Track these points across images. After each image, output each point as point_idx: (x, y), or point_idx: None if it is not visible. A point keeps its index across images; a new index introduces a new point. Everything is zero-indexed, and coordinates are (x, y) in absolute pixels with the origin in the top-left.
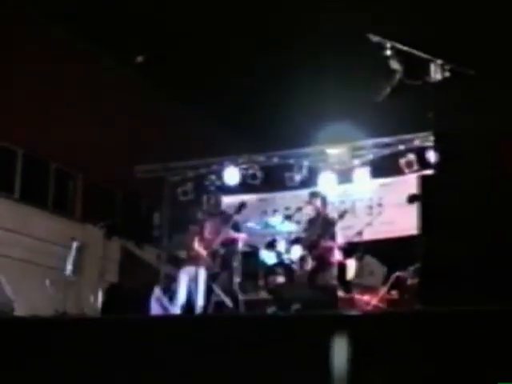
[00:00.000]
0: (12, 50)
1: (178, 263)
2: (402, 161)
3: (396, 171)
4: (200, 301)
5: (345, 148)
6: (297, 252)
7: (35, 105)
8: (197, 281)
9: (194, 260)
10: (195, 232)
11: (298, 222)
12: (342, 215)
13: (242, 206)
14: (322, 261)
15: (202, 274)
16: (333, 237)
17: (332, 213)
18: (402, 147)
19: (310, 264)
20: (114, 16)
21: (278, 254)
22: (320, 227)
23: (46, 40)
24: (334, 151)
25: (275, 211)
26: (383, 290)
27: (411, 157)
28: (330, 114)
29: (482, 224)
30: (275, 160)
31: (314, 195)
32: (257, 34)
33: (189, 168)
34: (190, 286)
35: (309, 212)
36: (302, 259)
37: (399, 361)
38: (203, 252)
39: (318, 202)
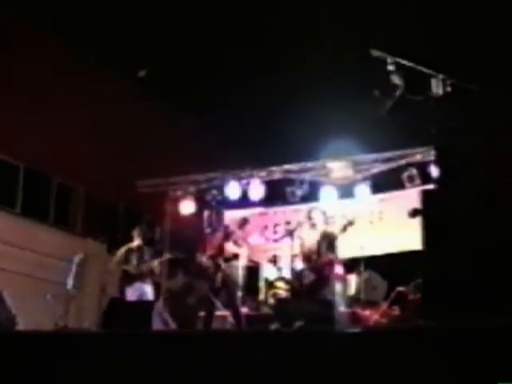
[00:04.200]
0: (13, 64)
1: (127, 279)
2: (404, 175)
3: (398, 186)
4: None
5: (346, 162)
6: (298, 267)
7: (37, 119)
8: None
9: (142, 276)
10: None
11: (299, 237)
12: (345, 228)
13: (244, 222)
14: (322, 275)
15: (149, 291)
16: (333, 251)
17: (333, 227)
18: (403, 162)
19: (309, 279)
20: (116, 29)
21: (280, 269)
22: (320, 242)
23: (48, 54)
24: (336, 166)
25: (276, 226)
26: (385, 305)
27: (413, 171)
28: (332, 128)
29: (483, 238)
30: (276, 174)
31: (313, 210)
32: (259, 49)
33: (190, 183)
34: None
35: (309, 227)
36: (302, 274)
37: (401, 375)
38: (207, 266)
39: (319, 217)
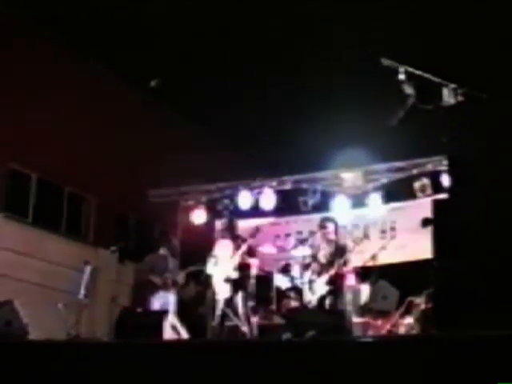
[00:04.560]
0: (26, 76)
1: (151, 288)
2: (416, 185)
3: (410, 195)
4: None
5: (358, 172)
6: (309, 277)
7: (49, 129)
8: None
9: (166, 286)
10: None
11: (311, 247)
12: (359, 242)
13: (256, 232)
14: (334, 286)
15: (173, 301)
16: (346, 264)
17: (345, 237)
18: (415, 171)
19: (321, 289)
20: (129, 39)
21: (292, 279)
22: (333, 254)
23: (62, 66)
24: (348, 175)
25: (288, 235)
26: (397, 315)
27: (425, 181)
28: (344, 138)
29: (495, 248)
30: (288, 184)
31: (325, 220)
32: (270, 59)
33: (202, 192)
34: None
35: (321, 237)
36: (313, 284)
37: None
38: (218, 276)
39: (331, 227)
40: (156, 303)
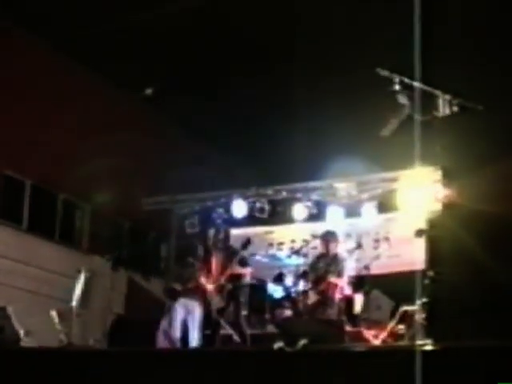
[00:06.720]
0: (24, 86)
1: (174, 295)
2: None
3: (403, 205)
4: (195, 334)
5: (353, 182)
6: (303, 286)
7: (44, 136)
8: (192, 314)
9: (191, 293)
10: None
11: (305, 256)
12: (352, 251)
13: (247, 243)
14: (325, 296)
15: (197, 308)
16: (339, 274)
17: (340, 247)
18: (409, 181)
19: (312, 298)
20: (126, 48)
21: (285, 288)
22: (328, 263)
23: (59, 75)
24: (342, 185)
25: (281, 244)
26: (390, 325)
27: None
28: (338, 148)
29: (489, 258)
30: (283, 193)
31: (328, 234)
32: (266, 69)
33: (196, 200)
34: (186, 319)
35: (317, 247)
36: (305, 293)
37: None
38: (210, 287)
39: (331, 241)
40: (179, 310)
